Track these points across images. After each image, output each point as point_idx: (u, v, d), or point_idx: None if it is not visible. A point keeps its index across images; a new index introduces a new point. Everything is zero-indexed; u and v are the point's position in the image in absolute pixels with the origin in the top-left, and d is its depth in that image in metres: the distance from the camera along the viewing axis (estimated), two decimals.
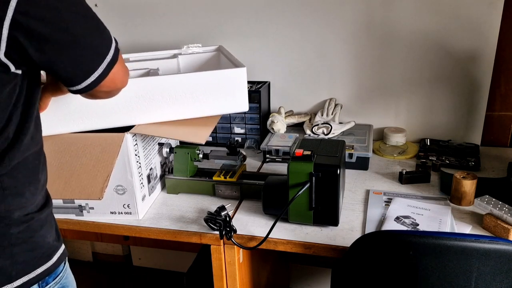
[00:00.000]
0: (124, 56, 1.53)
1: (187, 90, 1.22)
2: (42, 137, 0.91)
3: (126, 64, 1.45)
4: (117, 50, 0.86)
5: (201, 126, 1.26)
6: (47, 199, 0.92)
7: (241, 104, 1.28)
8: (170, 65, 1.53)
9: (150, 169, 1.31)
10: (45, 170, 0.91)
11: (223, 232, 1.14)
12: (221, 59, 1.52)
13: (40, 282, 0.86)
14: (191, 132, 1.24)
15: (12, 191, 0.81)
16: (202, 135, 1.22)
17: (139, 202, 1.24)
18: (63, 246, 0.93)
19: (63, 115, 1.17)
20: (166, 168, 1.41)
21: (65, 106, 1.16)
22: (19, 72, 0.78)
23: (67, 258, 0.95)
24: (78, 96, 1.15)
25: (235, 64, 1.31)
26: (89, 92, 0.86)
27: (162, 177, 1.40)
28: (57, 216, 1.23)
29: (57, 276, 0.90)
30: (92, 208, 1.25)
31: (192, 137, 1.22)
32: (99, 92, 0.88)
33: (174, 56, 1.55)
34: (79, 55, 0.80)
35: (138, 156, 1.23)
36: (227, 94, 1.25)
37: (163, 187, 1.41)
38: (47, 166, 0.93)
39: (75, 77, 0.82)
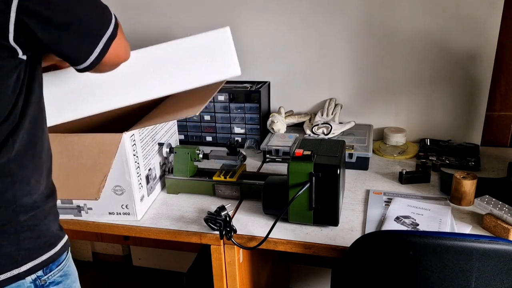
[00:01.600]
0: None
1: (171, 60, 1.16)
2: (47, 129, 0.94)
3: None
4: (116, 26, 0.90)
5: (192, 105, 1.24)
6: (52, 191, 0.96)
7: (231, 67, 1.18)
8: None
9: (149, 170, 1.31)
10: (49, 160, 0.95)
11: (223, 232, 1.14)
12: None
13: (44, 268, 0.90)
14: (184, 111, 1.22)
15: (19, 178, 0.85)
16: (194, 109, 1.19)
17: (138, 203, 1.24)
18: (66, 236, 0.97)
19: (50, 105, 1.09)
20: (166, 168, 1.40)
21: (51, 95, 1.12)
22: (25, 57, 0.82)
23: (69, 248, 0.98)
24: (65, 81, 1.13)
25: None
26: (94, 68, 0.90)
27: (161, 177, 1.40)
28: None
29: (60, 263, 0.94)
30: (91, 208, 1.25)
31: (186, 113, 1.20)
32: (103, 66, 0.92)
33: None
34: (80, 34, 0.84)
35: (137, 157, 1.23)
36: (214, 59, 1.17)
37: (163, 187, 1.41)
38: (51, 160, 0.96)
39: (78, 56, 0.87)
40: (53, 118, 1.14)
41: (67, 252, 0.97)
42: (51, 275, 0.91)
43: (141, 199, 1.26)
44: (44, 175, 0.92)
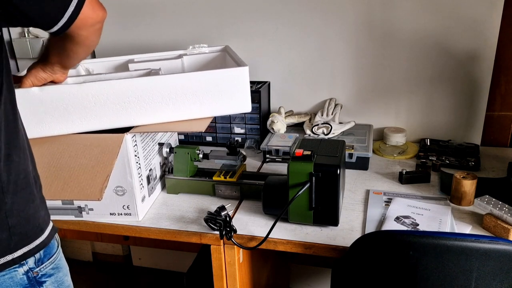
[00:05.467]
0: (128, 57, 1.53)
1: (187, 90, 1.21)
2: (21, 117, 0.91)
3: (130, 65, 1.46)
4: None
5: (200, 118, 1.27)
6: (37, 177, 0.94)
7: (243, 104, 1.26)
8: (174, 65, 1.51)
9: (150, 170, 1.31)
10: (26, 142, 0.91)
11: (223, 232, 1.14)
12: (227, 60, 1.50)
13: (36, 260, 0.90)
14: (190, 124, 1.24)
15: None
16: (201, 124, 1.22)
17: (139, 203, 1.24)
18: (51, 223, 0.96)
19: (61, 116, 1.17)
20: (166, 168, 1.41)
21: (63, 107, 1.16)
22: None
23: (59, 240, 0.98)
24: (77, 96, 1.14)
25: (238, 63, 1.30)
26: (71, 30, 0.86)
27: (161, 177, 1.40)
28: (55, 217, 1.24)
29: (52, 256, 0.94)
30: (92, 209, 1.25)
31: (192, 127, 1.22)
32: (82, 29, 0.88)
33: (179, 56, 1.53)
34: None
35: (138, 157, 1.23)
36: (229, 94, 1.23)
37: (163, 187, 1.41)
38: (33, 153, 0.94)
39: (50, 17, 0.83)
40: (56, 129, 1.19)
41: (58, 246, 0.97)
42: (43, 267, 0.91)
43: (142, 200, 1.26)
44: (25, 154, 0.89)
